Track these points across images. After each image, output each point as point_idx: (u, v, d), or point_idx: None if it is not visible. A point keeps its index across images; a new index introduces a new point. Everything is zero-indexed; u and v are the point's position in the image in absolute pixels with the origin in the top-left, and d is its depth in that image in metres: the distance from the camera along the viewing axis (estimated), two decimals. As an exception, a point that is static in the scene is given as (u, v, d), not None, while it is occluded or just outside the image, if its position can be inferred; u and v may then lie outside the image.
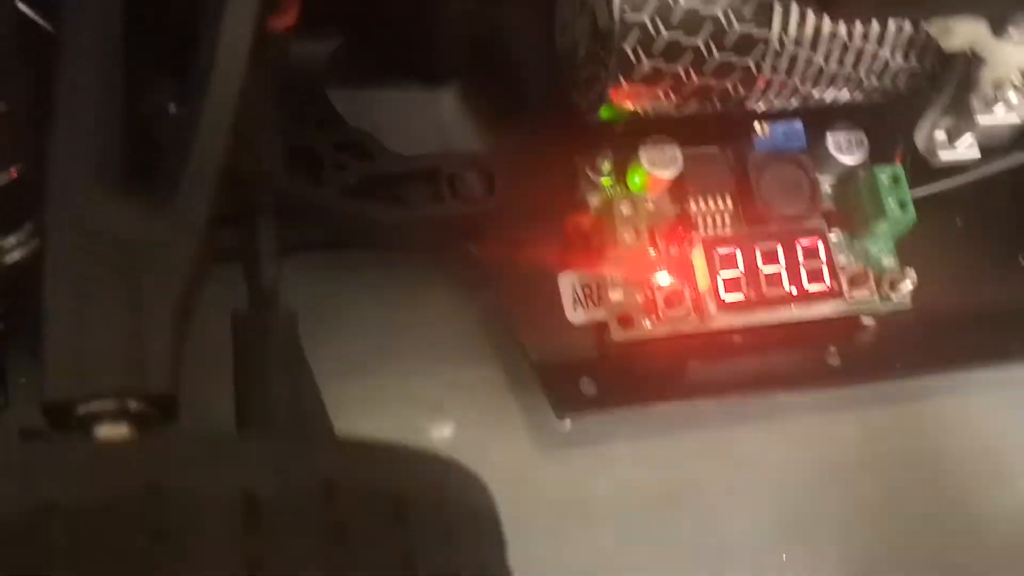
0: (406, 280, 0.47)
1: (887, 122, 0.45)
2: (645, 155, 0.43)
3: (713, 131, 0.45)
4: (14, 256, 0.33)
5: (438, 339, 0.47)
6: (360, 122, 0.45)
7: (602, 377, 0.43)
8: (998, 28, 0.38)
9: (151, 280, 0.27)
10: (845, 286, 0.43)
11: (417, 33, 0.44)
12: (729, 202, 0.44)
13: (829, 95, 0.42)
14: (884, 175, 0.44)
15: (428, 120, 0.47)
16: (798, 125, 0.45)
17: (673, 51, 0.39)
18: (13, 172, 0.32)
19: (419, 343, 0.46)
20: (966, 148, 0.43)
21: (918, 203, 0.44)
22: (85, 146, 0.28)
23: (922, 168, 0.45)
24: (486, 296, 0.46)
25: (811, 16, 0.39)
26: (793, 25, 0.39)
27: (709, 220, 0.44)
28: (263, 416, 0.32)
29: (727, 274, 0.42)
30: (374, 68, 0.45)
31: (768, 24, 0.39)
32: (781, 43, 0.39)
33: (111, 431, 0.24)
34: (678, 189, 0.45)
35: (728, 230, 0.44)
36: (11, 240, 0.32)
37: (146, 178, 0.32)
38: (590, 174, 0.45)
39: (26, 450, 0.20)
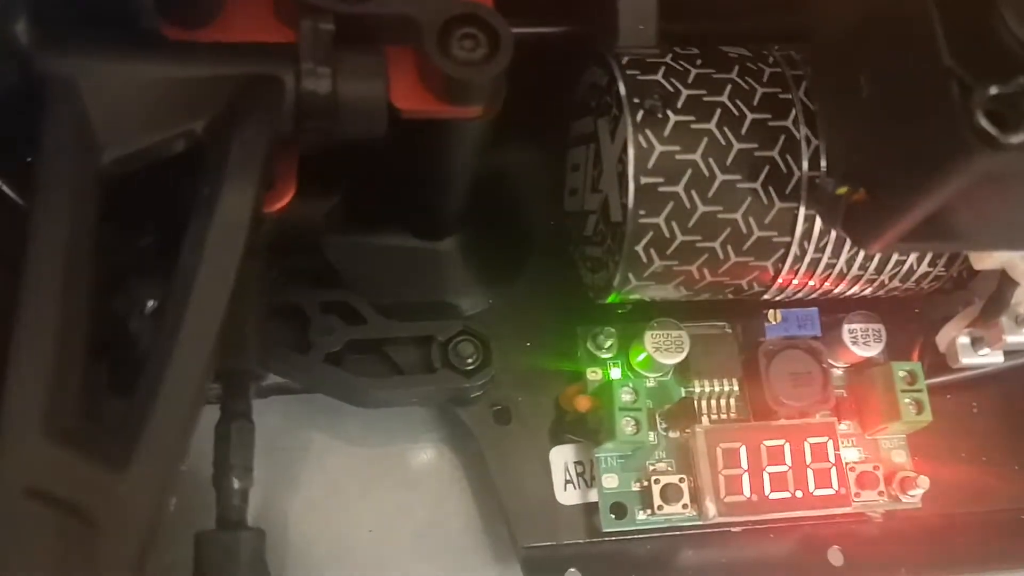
0: (388, 432, 0.45)
1: (908, 314, 0.43)
2: (650, 340, 0.41)
3: (722, 310, 0.43)
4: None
5: (414, 496, 0.44)
6: (355, 268, 0.43)
7: (589, 568, 0.41)
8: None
9: (107, 538, 0.25)
10: (853, 486, 0.41)
11: (416, 194, 0.41)
12: (736, 386, 0.42)
13: (849, 292, 0.40)
14: (901, 372, 0.41)
15: (425, 269, 0.44)
16: (813, 312, 0.42)
17: (687, 253, 0.36)
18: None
19: (395, 502, 0.44)
20: (989, 355, 0.41)
21: (933, 389, 0.42)
22: (39, 398, 0.25)
23: (938, 361, 0.43)
24: (473, 450, 0.44)
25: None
26: (816, 232, 0.36)
27: (714, 403, 0.42)
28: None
29: (729, 472, 0.40)
30: (372, 221, 0.43)
31: (790, 231, 0.36)
32: (802, 248, 0.37)
33: None
34: (683, 369, 0.42)
35: (734, 414, 0.42)
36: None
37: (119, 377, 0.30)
38: (591, 348, 0.42)
39: None
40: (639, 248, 0.36)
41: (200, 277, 0.27)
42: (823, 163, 0.35)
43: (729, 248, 0.36)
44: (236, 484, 0.32)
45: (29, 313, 0.26)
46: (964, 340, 0.41)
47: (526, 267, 0.45)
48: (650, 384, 0.42)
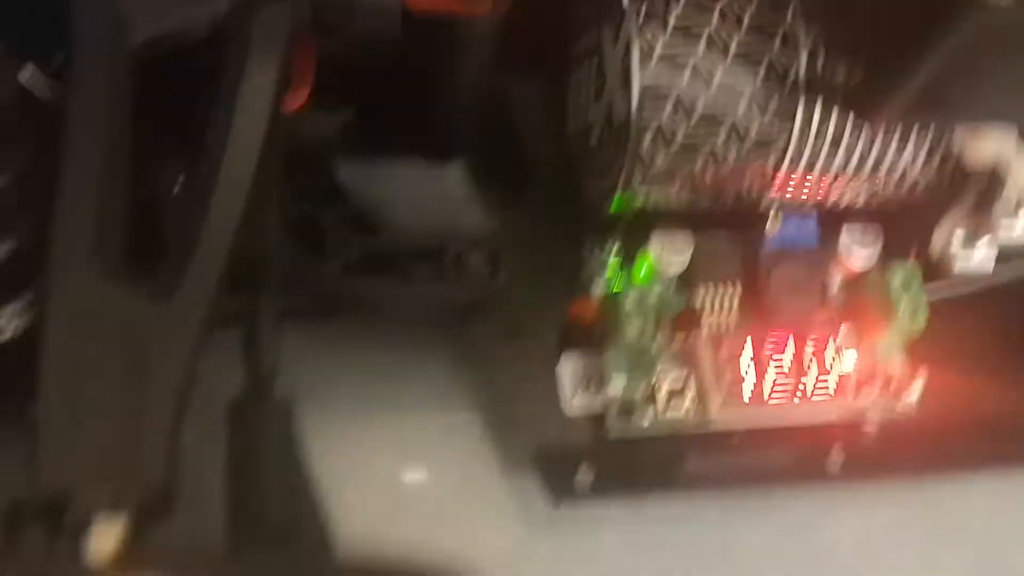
0: (396, 356, 0.46)
1: (903, 224, 0.44)
2: (655, 245, 0.42)
3: (724, 218, 0.44)
4: (7, 331, 0.31)
5: (426, 419, 0.46)
6: (364, 195, 0.44)
7: (599, 467, 0.42)
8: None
9: (154, 370, 0.27)
10: (851, 389, 0.42)
11: (426, 111, 0.43)
12: (736, 296, 0.43)
13: (846, 196, 0.41)
14: (897, 277, 0.43)
15: (433, 195, 0.46)
16: (811, 220, 0.44)
17: (690, 151, 0.38)
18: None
19: (405, 422, 0.45)
20: (983, 258, 0.42)
21: (929, 302, 0.43)
22: (88, 228, 0.27)
23: (935, 269, 0.44)
24: (479, 375, 0.45)
25: (833, 119, 0.38)
26: (815, 127, 0.38)
27: (716, 311, 0.43)
28: (258, 519, 0.31)
29: (732, 372, 0.41)
30: (381, 142, 0.44)
31: (789, 128, 0.38)
32: (801, 146, 0.38)
33: (105, 525, 0.24)
34: (686, 277, 0.44)
35: (735, 322, 0.43)
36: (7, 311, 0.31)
37: (149, 260, 0.31)
38: (596, 259, 0.44)
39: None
40: (643, 148, 0.37)
41: (232, 139, 0.29)
42: (820, 62, 0.37)
43: (731, 146, 0.38)
44: (265, 357, 0.33)
45: (74, 164, 0.27)
46: (957, 240, 0.42)
47: (531, 188, 0.46)
48: (653, 293, 0.44)
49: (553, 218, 0.45)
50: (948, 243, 0.42)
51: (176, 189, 0.34)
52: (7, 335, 0.32)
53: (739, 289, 0.43)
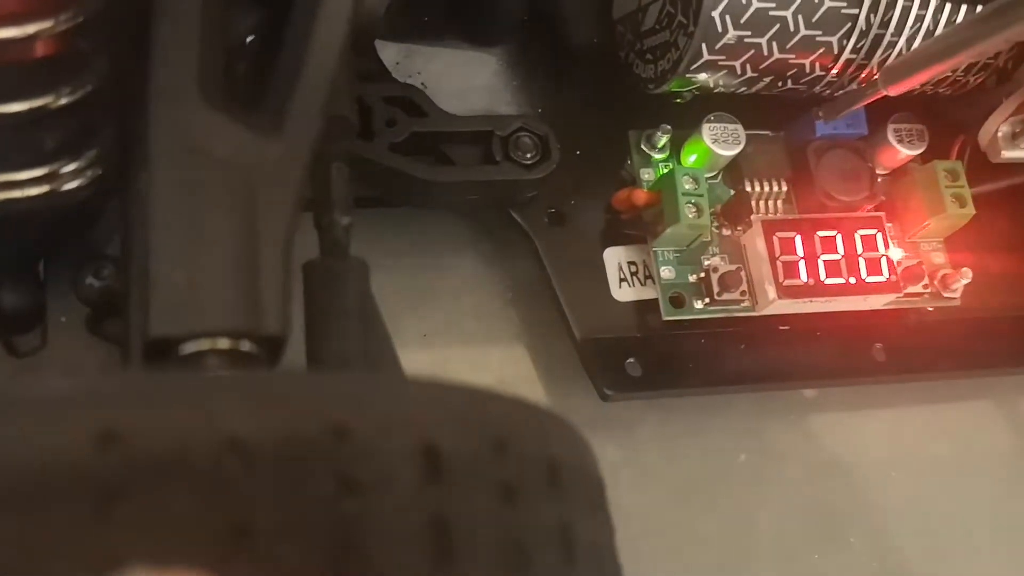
0: (435, 244, 0.45)
1: (949, 116, 0.44)
2: (708, 132, 0.42)
3: (769, 115, 0.44)
4: (71, 184, 0.30)
5: (464, 309, 0.45)
6: (405, 78, 0.43)
7: (647, 359, 0.41)
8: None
9: (265, 209, 0.25)
10: (899, 280, 0.42)
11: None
12: (784, 187, 0.43)
13: (900, 83, 0.41)
14: (943, 169, 0.43)
15: (475, 80, 0.45)
16: (860, 112, 0.43)
17: (760, 21, 0.37)
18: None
19: (443, 312, 0.45)
20: (1030, 148, 0.42)
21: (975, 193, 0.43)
22: (191, 62, 0.25)
23: (977, 165, 0.44)
24: (520, 266, 0.45)
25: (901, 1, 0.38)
26: (882, 6, 0.37)
27: (763, 204, 0.43)
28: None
29: (786, 258, 0.41)
30: (424, 24, 0.43)
31: (859, 3, 0.37)
32: (868, 23, 0.38)
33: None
34: (733, 171, 0.43)
35: (784, 211, 0.43)
36: (71, 166, 0.30)
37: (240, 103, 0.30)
38: (645, 148, 0.43)
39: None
40: (716, 14, 0.37)
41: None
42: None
43: (800, 18, 0.37)
44: (339, 219, 0.32)
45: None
46: (1005, 131, 0.42)
47: (573, 78, 0.45)
48: (704, 178, 0.43)
49: (598, 104, 0.44)
50: (994, 136, 0.42)
51: (249, 40, 0.32)
52: (67, 188, 0.30)
53: (787, 181, 0.43)
